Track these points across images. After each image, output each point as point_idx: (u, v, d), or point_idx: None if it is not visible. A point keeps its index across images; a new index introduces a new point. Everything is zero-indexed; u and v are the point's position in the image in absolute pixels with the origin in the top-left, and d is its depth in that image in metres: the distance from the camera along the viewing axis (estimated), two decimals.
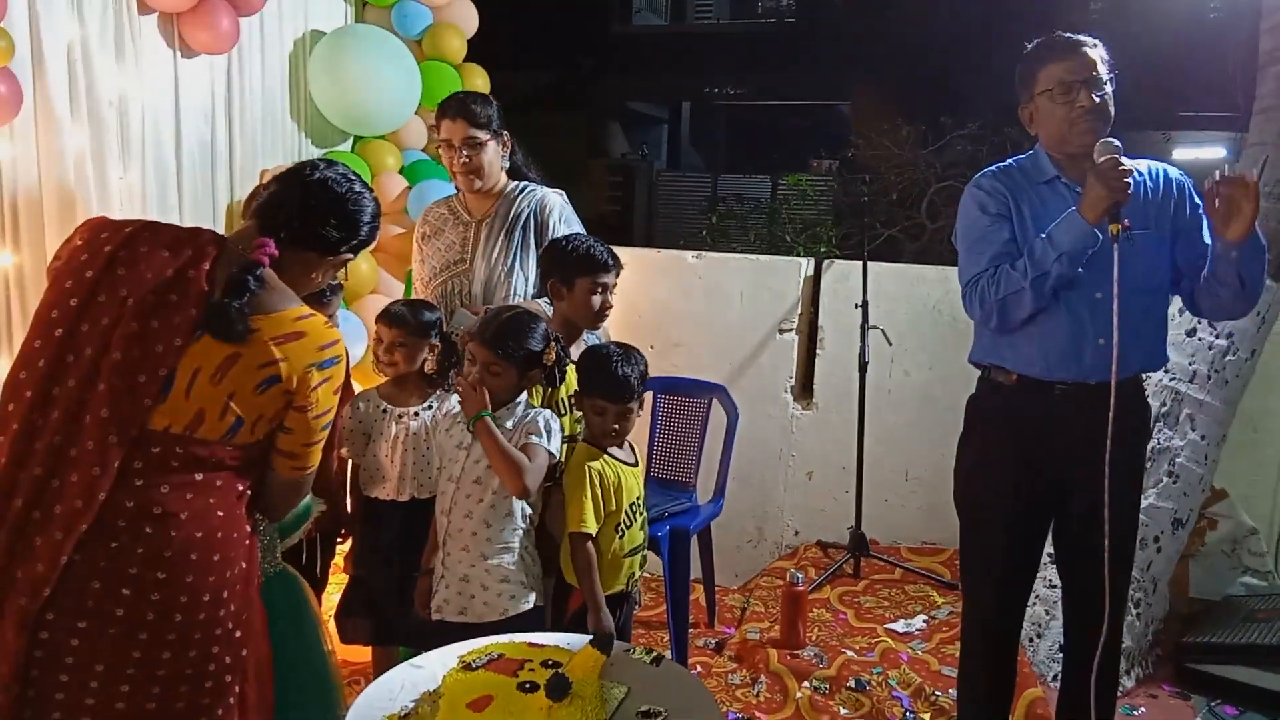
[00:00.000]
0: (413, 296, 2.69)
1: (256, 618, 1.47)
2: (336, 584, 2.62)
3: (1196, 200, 2.04)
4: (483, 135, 2.52)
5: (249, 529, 1.44)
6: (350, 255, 1.52)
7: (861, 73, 11.03)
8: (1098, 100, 1.96)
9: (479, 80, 3.49)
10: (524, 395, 2.11)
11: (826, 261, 3.63)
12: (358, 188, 1.51)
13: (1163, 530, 2.72)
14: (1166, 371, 2.77)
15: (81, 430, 1.26)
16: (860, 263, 3.37)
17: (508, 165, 2.63)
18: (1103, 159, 1.88)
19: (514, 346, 2.04)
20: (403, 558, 2.31)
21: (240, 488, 1.40)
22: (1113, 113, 1.98)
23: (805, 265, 3.66)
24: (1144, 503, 2.72)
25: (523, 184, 2.64)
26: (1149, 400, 2.18)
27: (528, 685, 1.52)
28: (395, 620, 2.30)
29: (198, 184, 2.80)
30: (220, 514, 1.35)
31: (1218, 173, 1.90)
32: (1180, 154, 7.25)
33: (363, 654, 2.55)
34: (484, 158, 2.54)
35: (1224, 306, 2.06)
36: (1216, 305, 2.06)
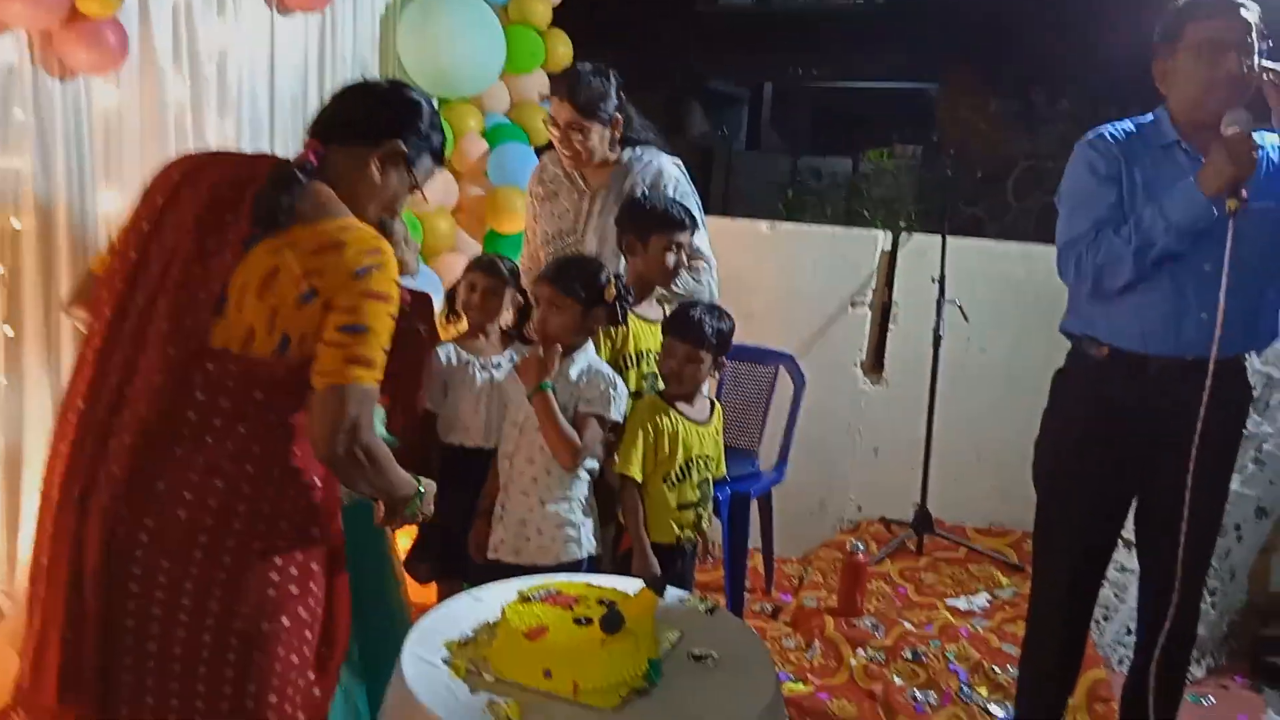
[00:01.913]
0: (523, 251, 2.72)
1: (333, 540, 1.50)
2: (406, 531, 2.70)
3: None
4: (587, 122, 2.41)
5: None
6: (400, 144, 1.47)
7: (949, 52, 10.73)
8: (1245, 67, 1.83)
9: (562, 47, 3.52)
10: (590, 345, 2.15)
11: (904, 235, 3.58)
12: (402, 85, 1.55)
13: (1245, 518, 2.62)
14: (1259, 356, 2.66)
15: (146, 342, 1.34)
16: (939, 238, 3.31)
17: (614, 147, 2.49)
18: (1230, 130, 1.78)
19: (573, 282, 2.08)
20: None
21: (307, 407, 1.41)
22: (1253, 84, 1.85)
23: (882, 239, 3.61)
24: None
25: (639, 151, 2.51)
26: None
27: (583, 619, 1.55)
28: (468, 565, 2.37)
29: (289, 139, 2.89)
30: (280, 431, 1.39)
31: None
32: None
33: (428, 596, 2.63)
34: (588, 143, 2.42)
35: None
36: None
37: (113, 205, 2.36)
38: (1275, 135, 1.94)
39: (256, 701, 1.37)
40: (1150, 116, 2.00)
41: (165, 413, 1.33)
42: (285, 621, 1.39)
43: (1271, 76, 1.80)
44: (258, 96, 2.75)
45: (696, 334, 2.13)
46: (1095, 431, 2.02)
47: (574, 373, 2.10)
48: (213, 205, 1.36)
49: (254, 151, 1.51)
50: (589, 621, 1.54)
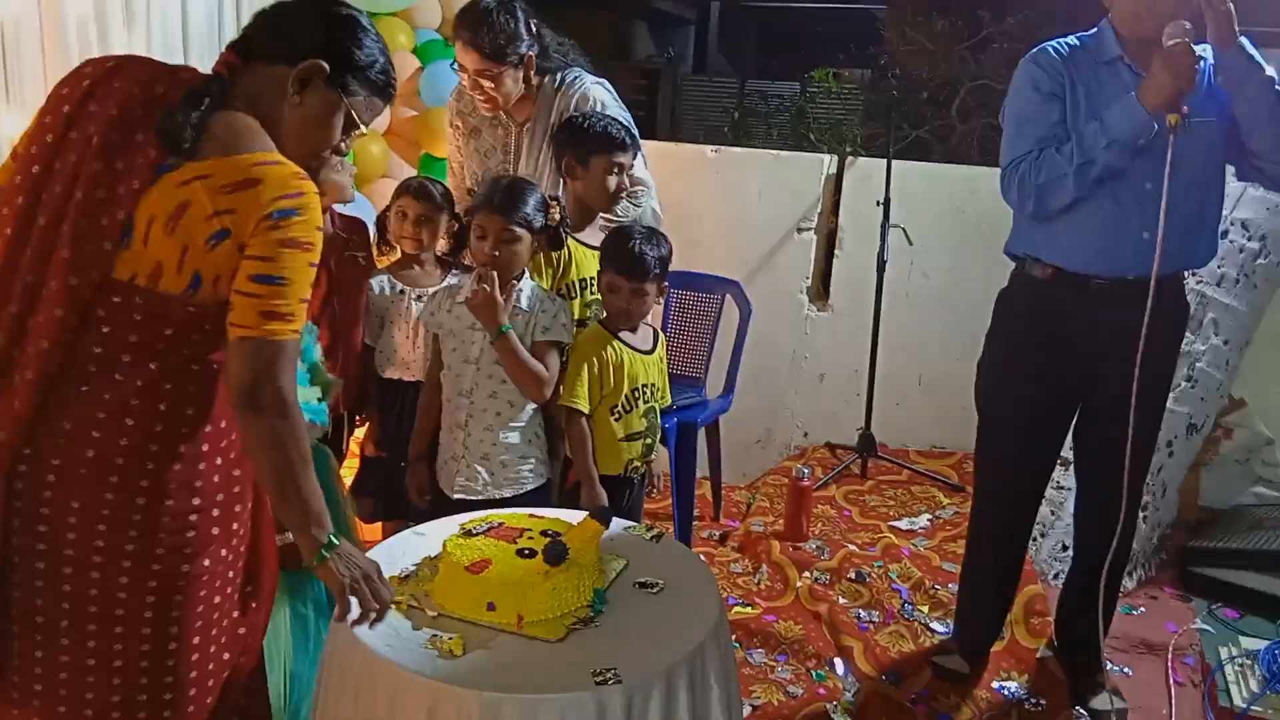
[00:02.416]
0: (449, 181, 2.59)
1: (256, 494, 1.42)
2: (348, 467, 2.65)
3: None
4: (496, 67, 2.27)
5: None
6: (322, 64, 1.31)
7: None
8: None
9: None
10: (527, 273, 2.09)
11: (849, 159, 3.54)
12: (336, 2, 1.38)
13: (1176, 435, 2.69)
14: (1193, 274, 2.70)
15: (48, 271, 1.23)
16: (884, 161, 3.28)
17: (529, 84, 2.36)
18: (1172, 42, 1.75)
19: (524, 210, 2.01)
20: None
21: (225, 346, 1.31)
22: None
23: (827, 163, 3.56)
24: None
25: (561, 77, 2.39)
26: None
27: (526, 551, 1.53)
28: (407, 500, 2.33)
29: (205, 57, 2.72)
30: (196, 368, 1.30)
31: None
32: None
33: (374, 533, 2.60)
34: (501, 89, 2.30)
35: (1270, 153, 1.89)
36: (1265, 164, 1.90)
37: (14, 128, 2.20)
38: (1212, 49, 1.92)
39: (179, 643, 1.32)
40: (1094, 31, 1.97)
41: (69, 347, 1.24)
42: (206, 562, 1.33)
43: None
44: (168, 13, 2.58)
45: (640, 268, 2.07)
46: (1037, 350, 2.04)
47: (524, 301, 2.05)
48: (122, 123, 1.24)
49: (174, 64, 1.35)
50: (532, 554, 1.52)
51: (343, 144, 1.40)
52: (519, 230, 2.00)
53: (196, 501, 1.31)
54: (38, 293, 1.24)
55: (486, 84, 2.30)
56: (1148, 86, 1.79)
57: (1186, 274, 2.70)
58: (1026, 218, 2.01)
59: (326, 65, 1.31)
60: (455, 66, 2.37)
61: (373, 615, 1.34)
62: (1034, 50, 2.01)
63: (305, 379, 1.85)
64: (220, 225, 1.22)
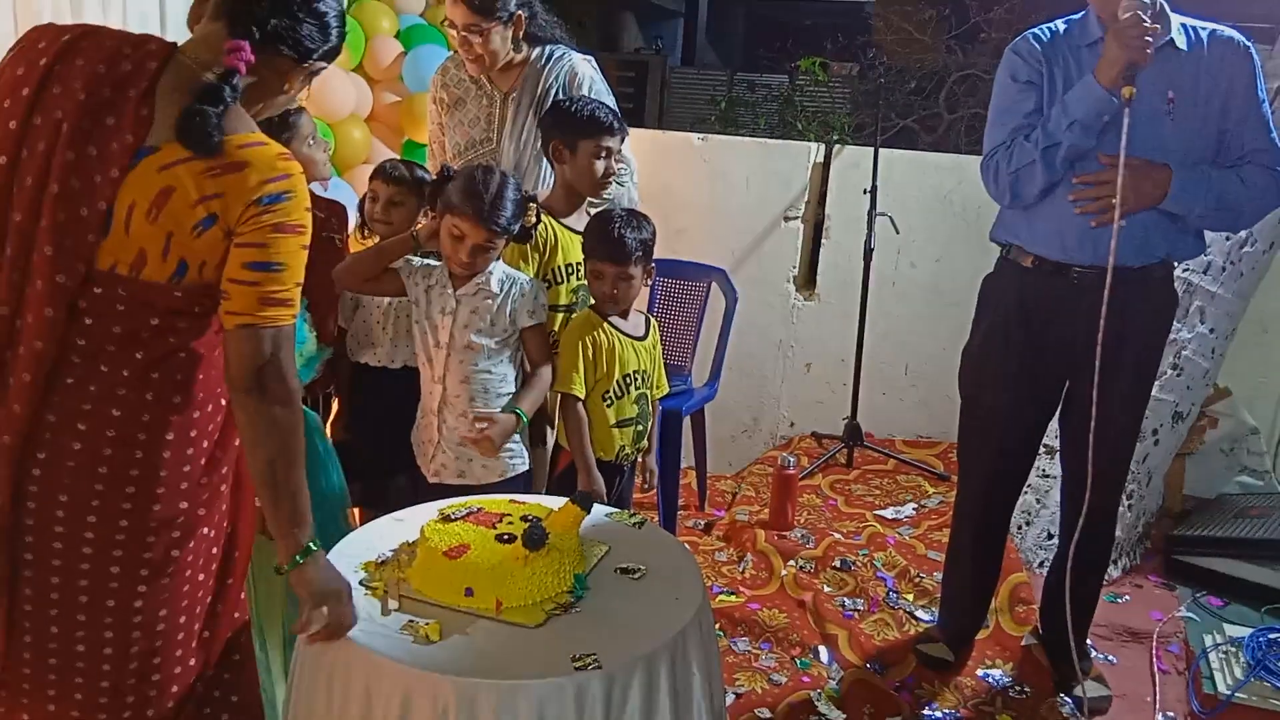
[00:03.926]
0: (429, 164, 2.58)
1: (237, 471, 1.40)
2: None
3: (1255, 75, 1.88)
4: (486, 23, 2.27)
5: None
6: (324, 65, 1.35)
7: None
8: None
9: None
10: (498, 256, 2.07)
11: (837, 147, 3.52)
12: None
13: (1162, 423, 2.69)
14: (1179, 262, 2.69)
15: (32, 267, 1.19)
16: (871, 150, 3.26)
17: (518, 46, 2.37)
18: (1125, 15, 1.75)
19: (507, 217, 1.97)
20: (393, 425, 2.30)
21: (213, 333, 1.31)
22: None
23: (814, 151, 3.54)
24: None
25: (549, 50, 2.41)
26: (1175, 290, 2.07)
27: (505, 537, 1.51)
28: (383, 486, 2.30)
29: (183, 35, 2.68)
30: (182, 355, 1.27)
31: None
32: None
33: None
34: (489, 46, 2.30)
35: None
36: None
37: None
38: (1203, 25, 1.91)
39: (166, 625, 1.30)
40: (1081, 15, 1.96)
41: (60, 342, 1.21)
42: (191, 544, 1.31)
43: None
44: None
45: (621, 252, 2.05)
46: (1020, 336, 2.03)
47: (494, 284, 2.02)
48: (91, 107, 1.19)
49: (137, 33, 1.28)
50: (511, 539, 1.50)
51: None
52: (499, 240, 1.98)
53: (184, 486, 1.29)
54: (23, 292, 1.20)
55: (475, 40, 2.29)
56: (1101, 62, 1.79)
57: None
58: (1006, 207, 2.00)
59: (325, 65, 1.33)
60: (445, 23, 2.36)
61: (332, 635, 1.31)
62: (1017, 38, 2.00)
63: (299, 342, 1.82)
64: (207, 211, 1.19)
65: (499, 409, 2.03)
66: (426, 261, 2.08)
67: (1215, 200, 1.86)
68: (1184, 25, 1.89)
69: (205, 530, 1.34)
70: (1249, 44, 1.89)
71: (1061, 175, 1.89)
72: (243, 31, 1.25)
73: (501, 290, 2.02)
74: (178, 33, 2.67)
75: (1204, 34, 1.89)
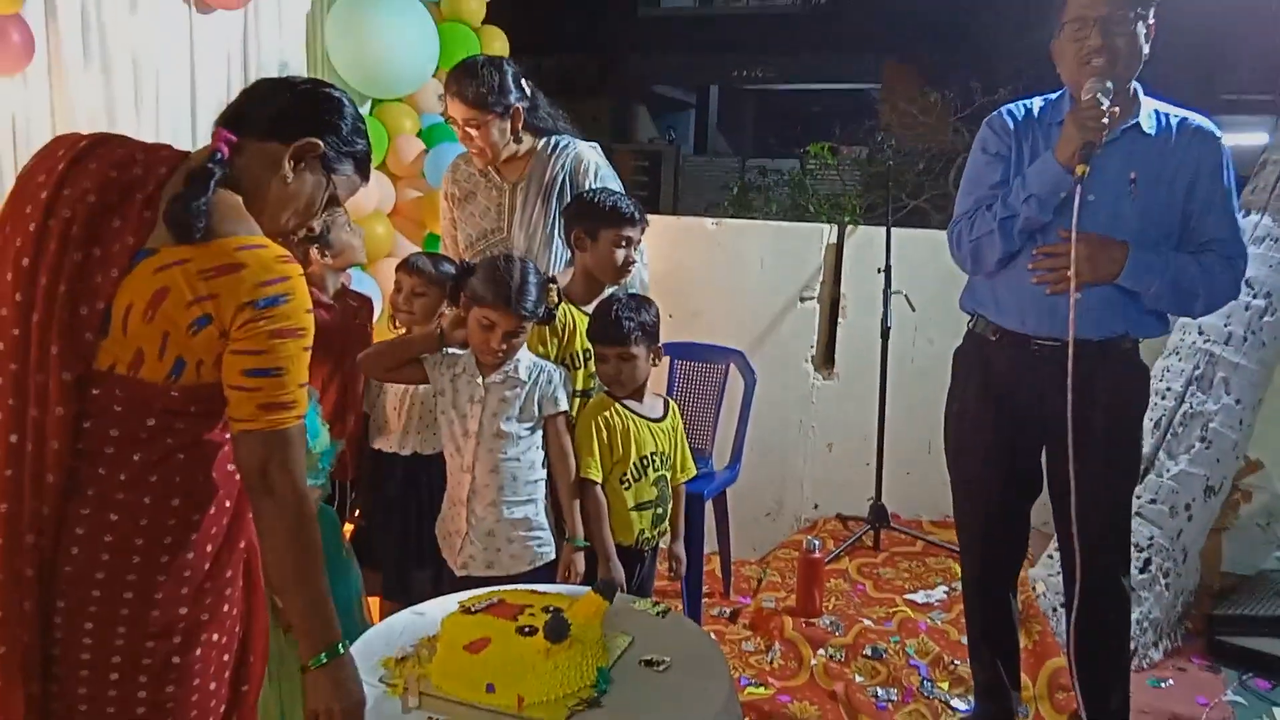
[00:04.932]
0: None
1: (248, 574, 1.38)
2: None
3: (1223, 165, 1.91)
4: (482, 116, 2.34)
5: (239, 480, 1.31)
6: (318, 142, 1.30)
7: (891, 50, 10.81)
8: (1113, 41, 1.82)
9: (498, 43, 3.45)
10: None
11: (850, 227, 3.56)
12: (322, 82, 1.39)
13: (1194, 498, 2.63)
14: (1201, 333, 2.68)
15: (49, 366, 1.20)
16: (884, 229, 3.29)
17: (518, 138, 2.43)
18: (1086, 96, 1.81)
19: (534, 302, 2.02)
20: (404, 512, 2.30)
21: (212, 434, 1.29)
22: (1139, 53, 1.86)
23: (828, 232, 3.58)
24: (1175, 469, 2.64)
25: (554, 140, 2.47)
26: (1146, 363, 2.05)
27: (527, 629, 1.48)
28: (403, 576, 2.29)
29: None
30: (181, 458, 1.25)
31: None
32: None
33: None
34: (488, 138, 2.37)
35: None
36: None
37: None
38: (1178, 111, 1.95)
39: None
40: (1059, 94, 2.03)
41: (72, 445, 1.21)
42: (197, 651, 1.28)
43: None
44: (178, 99, 2.64)
45: (619, 333, 2.08)
46: (990, 405, 2.06)
47: (522, 372, 2.05)
48: (100, 209, 1.21)
49: (152, 142, 1.32)
50: (533, 631, 1.47)
51: (317, 221, 1.40)
52: (528, 324, 2.02)
53: (185, 591, 1.27)
54: (45, 390, 1.20)
55: (475, 133, 2.37)
56: (1060, 140, 1.85)
57: (1192, 331, 2.69)
58: (970, 275, 2.06)
59: (322, 144, 1.31)
60: (446, 116, 2.45)
61: None
62: (993, 113, 2.07)
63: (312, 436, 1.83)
64: (201, 311, 1.19)
65: (526, 502, 2.04)
66: (452, 351, 2.10)
67: (1171, 281, 1.88)
68: (1155, 111, 1.94)
69: (213, 636, 1.31)
70: (1218, 134, 1.93)
71: (1020, 246, 1.93)
72: (229, 125, 1.29)
73: (530, 378, 2.05)
74: (207, 137, 2.81)
75: (1174, 120, 1.94)
